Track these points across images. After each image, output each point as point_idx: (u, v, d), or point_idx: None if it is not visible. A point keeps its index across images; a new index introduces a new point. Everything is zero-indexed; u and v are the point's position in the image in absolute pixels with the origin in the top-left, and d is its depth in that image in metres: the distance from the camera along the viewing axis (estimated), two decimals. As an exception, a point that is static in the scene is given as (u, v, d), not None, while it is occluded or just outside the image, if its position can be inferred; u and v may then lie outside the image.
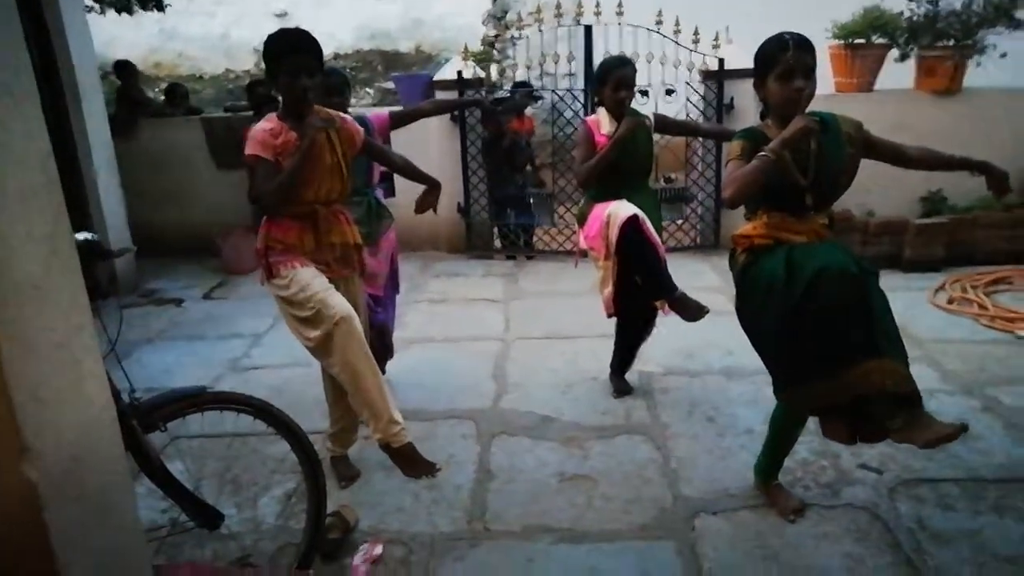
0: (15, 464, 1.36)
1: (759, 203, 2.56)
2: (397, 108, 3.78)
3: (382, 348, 3.62)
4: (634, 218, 3.38)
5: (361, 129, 2.95)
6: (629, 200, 3.47)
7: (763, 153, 2.38)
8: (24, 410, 1.37)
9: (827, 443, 3.21)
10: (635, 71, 3.50)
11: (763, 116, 2.66)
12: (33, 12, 5.06)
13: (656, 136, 3.69)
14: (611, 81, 3.44)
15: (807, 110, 2.50)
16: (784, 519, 2.73)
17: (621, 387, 3.83)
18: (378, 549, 2.63)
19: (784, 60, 2.41)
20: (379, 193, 3.69)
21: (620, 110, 3.47)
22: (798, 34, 2.46)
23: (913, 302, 4.83)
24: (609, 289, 3.55)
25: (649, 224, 3.47)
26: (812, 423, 3.37)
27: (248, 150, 2.65)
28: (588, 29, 5.78)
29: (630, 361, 3.89)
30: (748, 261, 2.60)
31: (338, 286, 2.83)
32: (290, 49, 2.60)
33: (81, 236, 2.24)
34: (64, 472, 1.47)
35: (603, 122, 3.51)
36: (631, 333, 3.81)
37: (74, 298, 1.60)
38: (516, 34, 6.04)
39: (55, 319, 1.53)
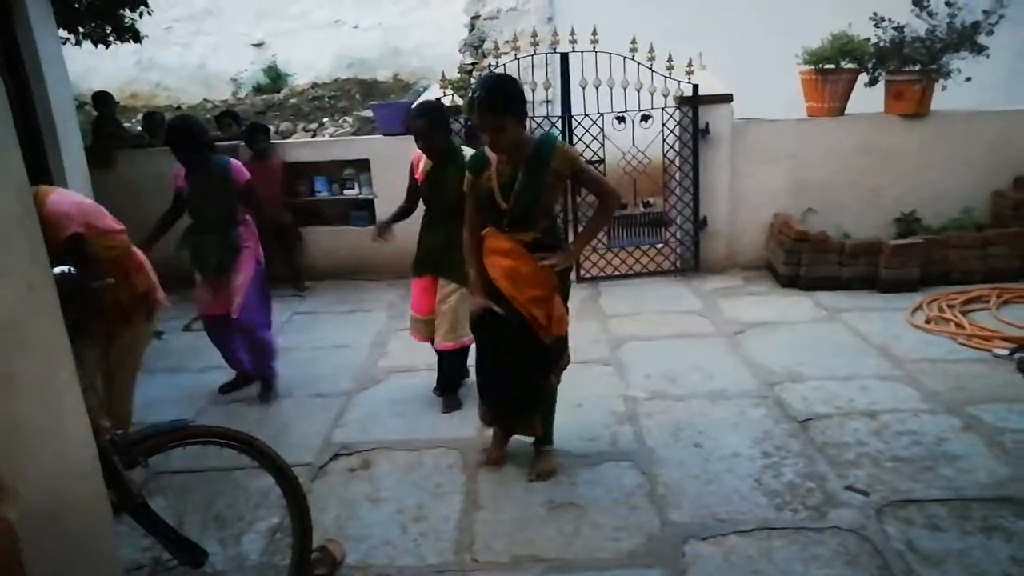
0: (-8, 505, 1.32)
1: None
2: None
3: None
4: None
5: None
6: (436, 231, 3.78)
7: (471, 280, 3.10)
8: (2, 449, 1.34)
9: (813, 465, 3.23)
10: (428, 119, 3.63)
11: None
12: (7, 44, 5.02)
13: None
14: (411, 131, 3.74)
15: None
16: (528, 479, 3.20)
17: (451, 405, 4.00)
18: (365, 583, 2.58)
19: (475, 116, 2.83)
20: (240, 231, 4.07)
21: (427, 154, 3.71)
22: (489, 89, 2.80)
23: (891, 322, 4.89)
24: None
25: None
26: (799, 444, 3.40)
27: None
28: (564, 57, 5.85)
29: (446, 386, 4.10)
30: None
31: None
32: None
33: (58, 270, 2.21)
34: (44, 512, 1.44)
35: (422, 160, 3.79)
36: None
37: (53, 333, 1.57)
38: (493, 62, 6.09)
39: (34, 355, 1.50)
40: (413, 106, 4.01)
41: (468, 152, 3.61)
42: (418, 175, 3.82)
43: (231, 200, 4.00)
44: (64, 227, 2.96)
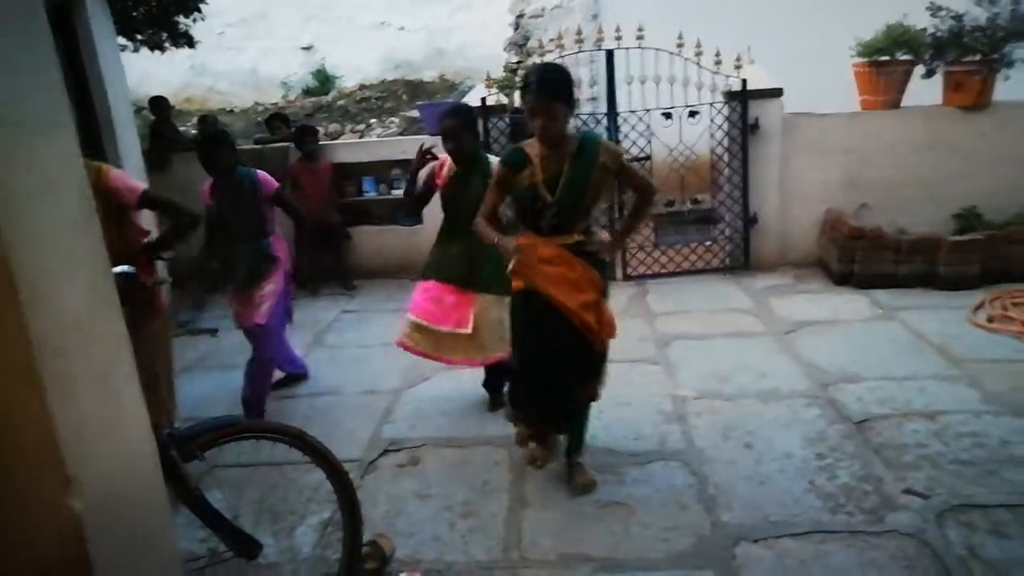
0: (60, 496, 1.37)
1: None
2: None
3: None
4: None
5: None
6: (458, 240, 3.60)
7: (497, 241, 2.82)
8: (67, 442, 1.38)
9: (869, 467, 3.14)
10: (461, 119, 3.54)
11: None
12: (70, 52, 5.21)
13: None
14: (441, 133, 3.56)
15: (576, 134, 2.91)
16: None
17: (500, 400, 3.90)
18: (414, 579, 2.60)
19: (527, 100, 2.72)
20: (270, 240, 4.04)
21: (453, 156, 3.59)
22: (543, 74, 2.73)
23: (951, 321, 4.72)
24: None
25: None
26: (854, 445, 3.31)
27: None
28: (609, 54, 5.80)
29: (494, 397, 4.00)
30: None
31: None
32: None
33: (118, 269, 2.27)
34: (106, 503, 1.48)
35: (446, 165, 3.67)
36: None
37: (114, 331, 1.62)
38: (538, 60, 6.08)
39: (96, 353, 1.54)
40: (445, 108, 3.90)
41: (494, 160, 3.51)
42: (440, 180, 3.69)
43: (260, 211, 3.96)
44: (133, 189, 3.24)
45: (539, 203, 2.81)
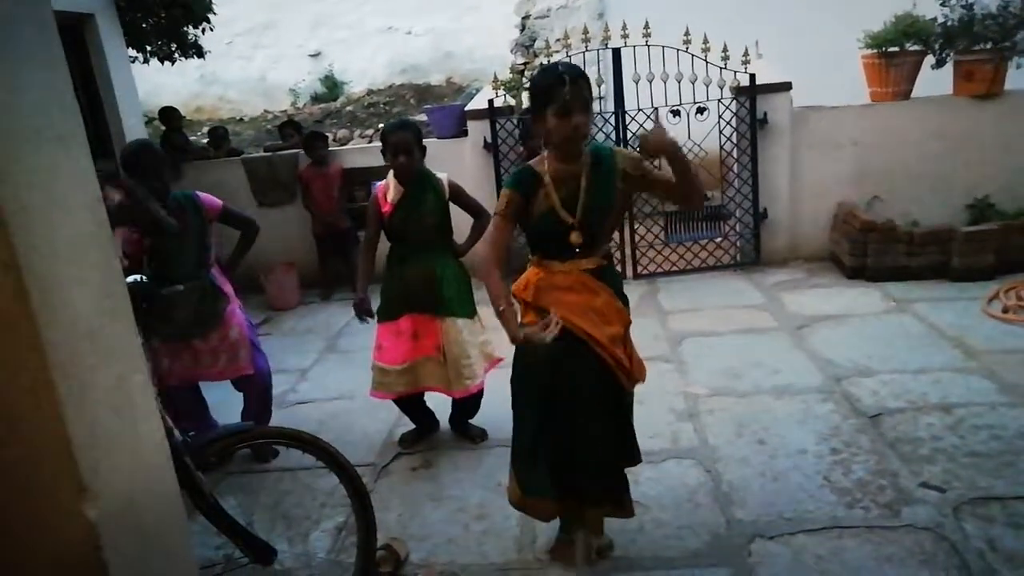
0: (75, 504, 1.39)
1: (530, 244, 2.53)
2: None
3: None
4: None
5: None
6: (413, 264, 3.38)
7: (501, 309, 2.33)
8: (82, 451, 1.40)
9: (884, 462, 3.12)
10: (415, 134, 3.31)
11: (545, 144, 2.45)
12: (81, 67, 5.27)
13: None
14: (389, 148, 3.30)
15: (586, 141, 2.41)
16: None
17: (474, 433, 3.71)
18: (429, 581, 2.61)
19: (561, 96, 2.25)
20: (214, 274, 3.53)
21: (401, 175, 3.32)
22: (574, 66, 2.37)
23: (965, 312, 4.68)
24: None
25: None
26: (869, 440, 3.29)
27: None
28: (616, 52, 5.79)
29: (462, 426, 3.77)
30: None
31: None
32: None
33: (131, 279, 2.30)
34: (122, 511, 1.49)
35: (390, 188, 3.38)
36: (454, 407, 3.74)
37: (127, 340, 1.64)
38: (545, 61, 6.08)
39: (110, 361, 1.56)
40: (390, 122, 3.58)
41: (442, 176, 3.41)
42: (386, 207, 3.37)
43: (206, 237, 3.47)
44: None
45: (560, 227, 2.39)
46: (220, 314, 3.46)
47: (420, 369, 3.45)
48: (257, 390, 3.70)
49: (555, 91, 2.26)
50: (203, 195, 3.49)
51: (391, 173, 3.39)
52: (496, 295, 2.35)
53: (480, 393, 3.57)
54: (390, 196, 3.38)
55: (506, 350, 3.43)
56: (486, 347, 3.55)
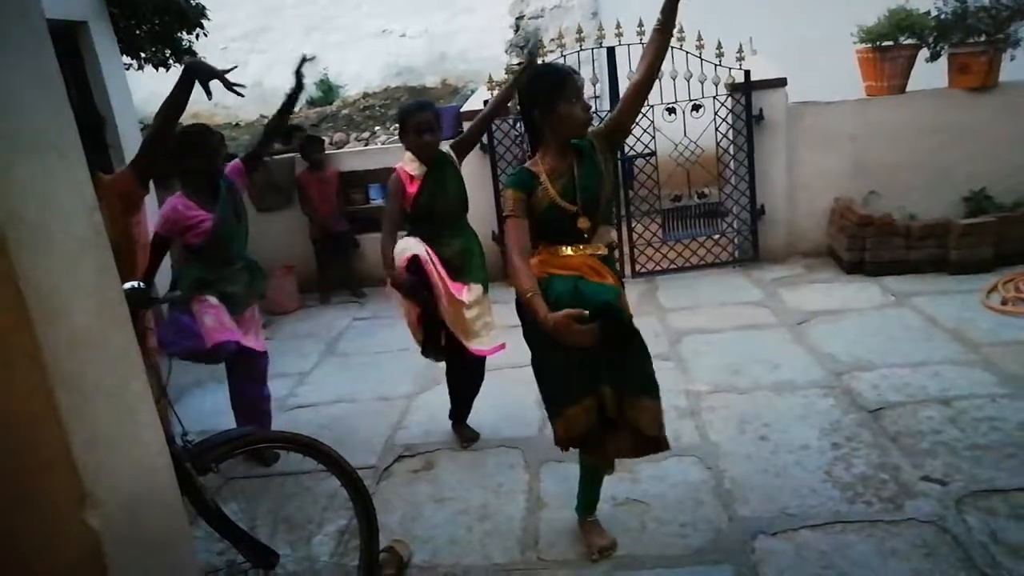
0: (76, 511, 1.38)
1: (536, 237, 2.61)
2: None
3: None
4: (414, 258, 3.35)
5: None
6: (446, 241, 3.44)
7: (529, 295, 2.38)
8: (83, 459, 1.39)
9: (886, 456, 3.12)
10: (435, 113, 3.43)
11: (533, 151, 2.65)
12: (76, 75, 5.26)
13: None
14: (411, 127, 3.38)
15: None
16: (589, 557, 2.70)
17: (467, 435, 3.70)
18: (432, 583, 2.61)
19: (572, 83, 2.52)
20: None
21: (426, 154, 3.40)
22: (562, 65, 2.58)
23: (964, 305, 4.68)
24: (412, 319, 3.54)
25: (433, 266, 3.36)
26: (870, 434, 3.29)
27: None
28: (611, 51, 5.80)
29: (463, 411, 3.75)
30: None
31: None
32: None
33: (128, 285, 2.29)
34: (123, 518, 1.49)
35: (411, 168, 3.43)
36: (456, 380, 3.71)
37: (126, 347, 1.63)
38: (539, 60, 6.08)
39: (109, 369, 1.56)
40: (407, 103, 3.65)
41: (445, 149, 3.48)
42: (412, 188, 3.41)
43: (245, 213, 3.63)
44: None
45: (566, 215, 2.54)
46: (264, 291, 3.66)
47: (454, 311, 3.43)
48: (260, 369, 3.71)
49: (568, 81, 2.51)
50: (227, 170, 3.51)
51: (407, 155, 3.46)
52: (523, 285, 2.43)
53: (483, 364, 3.61)
54: (414, 174, 3.41)
55: (508, 348, 3.48)
56: (493, 326, 3.59)
